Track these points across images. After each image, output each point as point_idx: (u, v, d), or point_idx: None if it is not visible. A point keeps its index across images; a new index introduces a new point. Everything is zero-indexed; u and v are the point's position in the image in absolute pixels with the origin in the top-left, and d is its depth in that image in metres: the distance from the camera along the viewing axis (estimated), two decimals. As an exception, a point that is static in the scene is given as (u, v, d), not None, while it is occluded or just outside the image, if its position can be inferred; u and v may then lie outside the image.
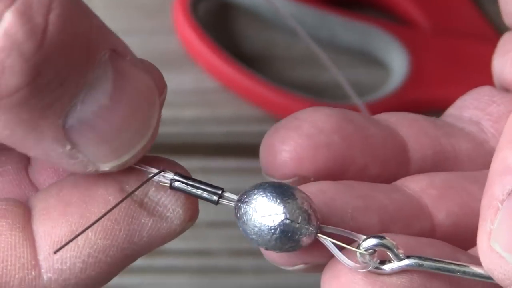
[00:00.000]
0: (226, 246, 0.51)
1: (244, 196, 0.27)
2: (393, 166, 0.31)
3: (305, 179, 0.30)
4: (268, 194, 0.26)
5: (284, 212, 0.26)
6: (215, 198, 0.27)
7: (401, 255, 0.26)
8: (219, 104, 0.55)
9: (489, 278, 0.25)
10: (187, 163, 0.56)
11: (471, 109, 0.34)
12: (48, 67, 0.23)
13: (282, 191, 0.26)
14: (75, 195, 0.27)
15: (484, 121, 0.33)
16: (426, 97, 0.55)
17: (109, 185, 0.27)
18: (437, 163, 0.32)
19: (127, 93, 0.25)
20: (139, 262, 0.51)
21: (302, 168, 0.29)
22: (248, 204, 0.26)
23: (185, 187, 0.27)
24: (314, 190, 0.28)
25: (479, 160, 0.32)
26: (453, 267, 0.26)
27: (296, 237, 0.26)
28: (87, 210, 0.26)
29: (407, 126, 0.32)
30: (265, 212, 0.26)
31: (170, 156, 0.27)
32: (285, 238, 0.26)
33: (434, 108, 0.55)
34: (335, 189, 0.29)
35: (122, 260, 0.26)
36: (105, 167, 0.26)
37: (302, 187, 0.28)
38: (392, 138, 0.31)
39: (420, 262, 0.26)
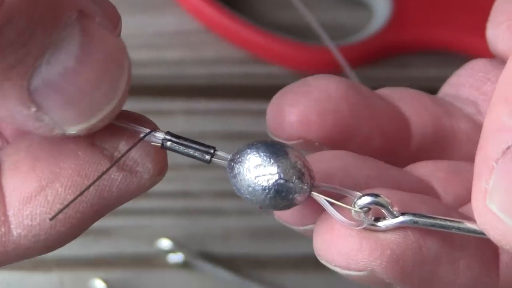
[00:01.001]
0: (210, 187, 0.51)
1: (237, 155, 0.26)
2: (395, 140, 0.32)
3: (309, 143, 0.30)
4: (262, 154, 0.26)
5: (278, 172, 0.26)
6: (208, 157, 0.27)
7: (395, 213, 0.26)
8: (201, 46, 0.55)
9: (483, 234, 0.25)
10: (170, 105, 0.56)
11: (467, 87, 0.34)
12: (9, 27, 0.22)
13: (275, 150, 0.26)
14: (45, 150, 0.26)
15: (480, 101, 0.33)
16: (410, 38, 0.55)
17: (80, 139, 0.26)
18: (437, 141, 0.32)
19: (95, 55, 0.24)
20: (123, 204, 0.51)
21: (309, 131, 0.30)
22: (242, 164, 0.26)
23: (176, 147, 0.27)
24: (330, 155, 0.29)
25: (478, 141, 0.32)
26: (447, 223, 0.26)
27: (291, 196, 0.26)
28: (56, 165, 0.26)
29: (410, 103, 0.32)
30: (258, 172, 0.26)
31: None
32: (279, 197, 0.26)
33: (417, 49, 0.55)
34: (352, 157, 0.29)
35: (91, 215, 0.26)
36: (72, 130, 0.25)
37: (320, 154, 0.29)
38: (396, 113, 0.32)
39: (415, 219, 0.26)
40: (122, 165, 0.26)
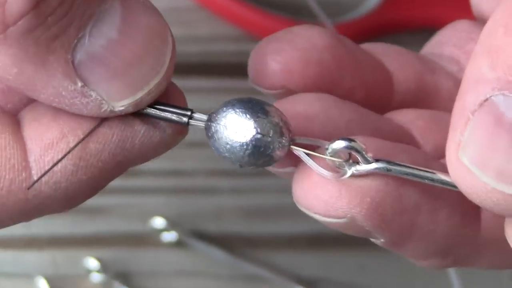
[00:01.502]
0: (203, 166, 0.51)
1: (213, 114, 0.26)
2: (378, 94, 0.31)
3: (291, 93, 0.29)
4: (237, 110, 0.26)
5: (255, 127, 0.26)
6: (185, 119, 0.27)
7: (369, 159, 0.26)
8: (195, 23, 0.55)
9: (455, 187, 0.25)
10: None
11: (449, 46, 0.34)
12: None
13: (251, 105, 0.26)
14: None
15: (463, 59, 0.33)
16: (405, 16, 0.55)
17: None
18: (419, 98, 0.32)
19: (136, 28, 0.25)
20: (116, 182, 0.51)
21: (291, 80, 0.29)
22: (218, 122, 0.26)
23: (153, 111, 0.27)
24: (312, 97, 0.28)
25: None
26: (421, 173, 0.26)
27: (269, 151, 0.26)
28: (78, 115, 0.26)
29: (393, 59, 0.32)
30: (235, 129, 0.26)
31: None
32: (258, 153, 0.26)
33: (412, 28, 0.55)
34: (333, 100, 0.29)
35: (113, 167, 0.26)
36: (120, 105, 0.25)
37: (302, 95, 0.28)
38: (379, 67, 0.32)
39: (388, 166, 0.26)
40: (145, 119, 0.27)
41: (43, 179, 0.25)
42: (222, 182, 0.51)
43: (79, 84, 0.25)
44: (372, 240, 0.28)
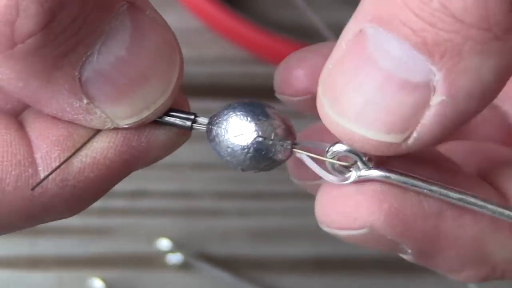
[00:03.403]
0: (209, 188, 0.51)
1: (214, 118, 0.26)
2: None
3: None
4: (238, 113, 0.26)
5: (256, 130, 0.25)
6: (189, 123, 0.26)
7: (368, 164, 0.26)
8: (202, 44, 0.55)
9: (460, 201, 0.25)
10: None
11: None
12: (63, 12, 0.22)
13: (252, 108, 0.26)
14: None
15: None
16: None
17: None
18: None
19: (145, 47, 0.25)
20: (121, 203, 0.51)
21: (316, 85, 0.29)
22: (219, 126, 0.26)
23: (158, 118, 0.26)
24: None
25: (493, 123, 0.33)
26: (420, 183, 0.26)
27: (271, 154, 0.26)
28: None
29: None
30: (236, 132, 0.25)
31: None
32: (259, 156, 0.25)
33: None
34: None
35: (120, 165, 0.26)
36: (124, 123, 0.25)
37: None
38: None
39: (387, 174, 0.26)
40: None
41: (50, 176, 0.25)
42: (228, 204, 0.51)
43: (85, 101, 0.24)
44: (402, 256, 0.28)
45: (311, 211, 0.29)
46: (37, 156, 0.25)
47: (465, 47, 0.22)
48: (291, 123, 0.26)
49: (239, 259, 0.50)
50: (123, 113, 0.25)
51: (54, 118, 0.25)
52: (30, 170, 0.25)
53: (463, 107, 0.23)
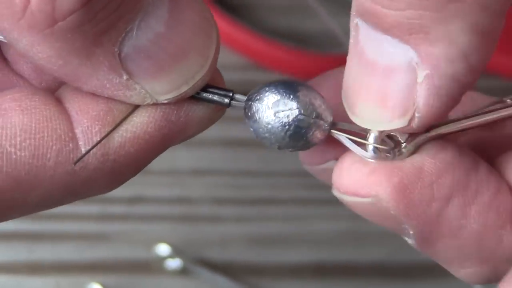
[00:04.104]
0: (208, 194, 0.51)
1: (255, 94, 0.26)
2: None
3: None
4: (281, 90, 0.26)
5: (298, 108, 0.25)
6: (227, 100, 0.27)
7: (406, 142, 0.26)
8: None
9: None
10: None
11: None
12: None
13: (294, 86, 0.26)
14: None
15: None
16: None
17: None
18: None
19: (183, 22, 0.25)
20: (121, 208, 0.51)
21: None
22: (260, 102, 0.26)
23: (196, 94, 0.26)
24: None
25: None
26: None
27: (310, 132, 0.26)
28: None
29: None
30: (278, 108, 0.25)
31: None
32: (298, 134, 0.26)
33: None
34: None
35: (160, 140, 0.26)
36: (164, 98, 0.25)
37: None
38: None
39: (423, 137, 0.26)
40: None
41: (91, 151, 0.25)
42: (227, 210, 0.51)
43: (125, 77, 0.25)
44: (406, 239, 0.28)
45: (309, 217, 0.29)
46: (78, 130, 0.25)
47: (425, 19, 0.23)
48: (330, 106, 0.26)
49: (237, 265, 0.50)
50: (162, 88, 0.25)
51: (93, 94, 0.25)
52: (71, 144, 0.25)
53: (449, 72, 0.24)
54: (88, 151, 0.25)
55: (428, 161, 0.26)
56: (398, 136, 0.26)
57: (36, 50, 0.23)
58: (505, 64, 0.54)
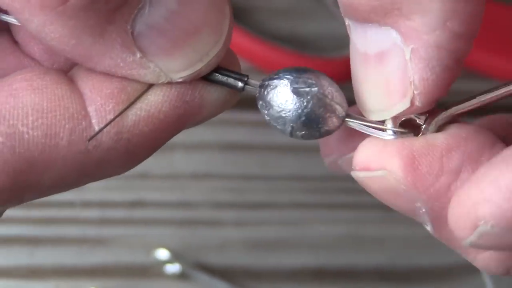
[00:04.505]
0: (207, 198, 0.51)
1: (272, 75, 0.26)
2: None
3: None
4: (301, 71, 0.26)
5: (317, 87, 0.25)
6: (241, 84, 0.26)
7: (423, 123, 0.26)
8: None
9: None
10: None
11: None
12: None
13: (312, 71, 0.26)
14: None
15: None
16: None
17: None
18: None
19: None
20: (120, 213, 0.51)
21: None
22: (279, 79, 0.26)
23: (210, 75, 0.26)
24: None
25: None
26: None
27: (327, 115, 0.26)
28: None
29: None
30: (298, 85, 0.25)
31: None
32: (315, 115, 0.25)
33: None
34: None
35: (175, 120, 0.26)
36: (178, 76, 0.25)
37: None
38: None
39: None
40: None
41: (104, 129, 0.25)
42: (226, 214, 0.51)
43: (138, 55, 0.24)
44: (424, 225, 0.27)
45: (308, 222, 0.29)
46: (91, 109, 0.25)
47: None
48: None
49: (237, 269, 0.50)
50: (177, 66, 0.25)
51: (107, 73, 0.25)
52: (83, 123, 0.25)
53: (432, 42, 0.24)
54: (102, 128, 0.24)
55: (441, 136, 0.26)
56: (417, 120, 0.26)
57: (48, 29, 0.23)
58: (499, 66, 0.54)
